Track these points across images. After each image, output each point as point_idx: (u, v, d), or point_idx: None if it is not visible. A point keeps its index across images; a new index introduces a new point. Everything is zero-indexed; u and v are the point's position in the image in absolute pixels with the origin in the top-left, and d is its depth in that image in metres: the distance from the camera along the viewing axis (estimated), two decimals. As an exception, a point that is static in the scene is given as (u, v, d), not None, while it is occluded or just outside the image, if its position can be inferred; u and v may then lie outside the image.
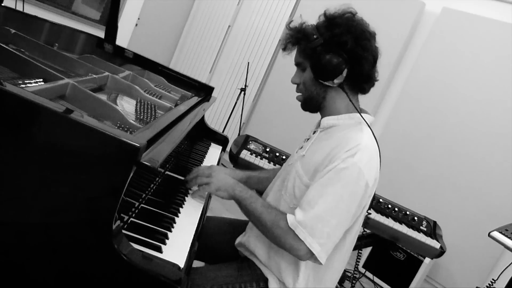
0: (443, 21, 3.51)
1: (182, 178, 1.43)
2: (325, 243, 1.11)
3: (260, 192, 1.48)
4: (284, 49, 1.26)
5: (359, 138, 1.16)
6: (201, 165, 1.75)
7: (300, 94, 1.30)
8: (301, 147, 1.35)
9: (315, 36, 1.18)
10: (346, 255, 1.31)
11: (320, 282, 1.27)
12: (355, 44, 1.15)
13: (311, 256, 1.13)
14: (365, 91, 1.26)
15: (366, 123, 1.23)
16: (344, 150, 1.14)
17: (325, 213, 1.11)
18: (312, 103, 1.28)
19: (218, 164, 1.90)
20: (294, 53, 1.27)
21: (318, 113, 1.34)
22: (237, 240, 1.45)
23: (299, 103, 1.33)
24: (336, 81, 1.19)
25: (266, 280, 1.29)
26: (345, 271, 2.91)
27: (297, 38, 1.22)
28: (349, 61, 1.16)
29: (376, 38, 1.21)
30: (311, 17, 1.28)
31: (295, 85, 1.31)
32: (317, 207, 1.11)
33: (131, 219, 1.09)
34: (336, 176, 1.12)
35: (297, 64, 1.27)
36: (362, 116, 1.23)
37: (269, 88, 4.56)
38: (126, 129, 1.16)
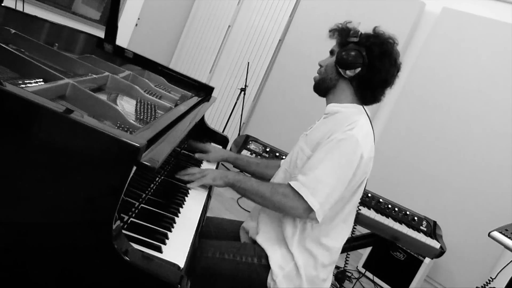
0: (443, 21, 3.51)
1: (178, 182, 1.42)
2: (323, 203, 1.25)
3: (254, 175, 1.65)
4: (330, 32, 1.44)
5: (358, 118, 1.34)
6: (200, 166, 1.76)
7: (317, 74, 1.47)
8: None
9: (354, 36, 1.37)
10: (344, 229, 1.41)
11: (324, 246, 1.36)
12: (378, 56, 1.34)
13: (309, 213, 1.26)
14: (365, 99, 1.42)
15: (366, 113, 1.40)
16: (344, 125, 1.30)
17: (325, 176, 1.25)
18: (323, 85, 1.45)
19: (218, 164, 1.90)
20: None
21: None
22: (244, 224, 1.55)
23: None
24: (348, 72, 1.37)
25: (267, 257, 1.35)
26: (345, 271, 2.91)
27: (342, 31, 1.41)
28: (366, 65, 1.34)
29: (399, 71, 1.41)
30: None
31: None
32: (317, 170, 1.26)
33: (131, 219, 1.09)
34: (336, 145, 1.27)
35: (331, 51, 1.46)
36: (363, 107, 1.41)
37: (269, 88, 4.55)
38: (126, 129, 1.16)
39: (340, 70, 1.38)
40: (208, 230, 1.56)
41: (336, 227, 1.36)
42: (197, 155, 1.75)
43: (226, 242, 1.44)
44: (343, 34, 1.41)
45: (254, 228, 1.47)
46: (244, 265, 1.35)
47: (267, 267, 1.34)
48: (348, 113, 1.37)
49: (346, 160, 1.27)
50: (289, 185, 1.28)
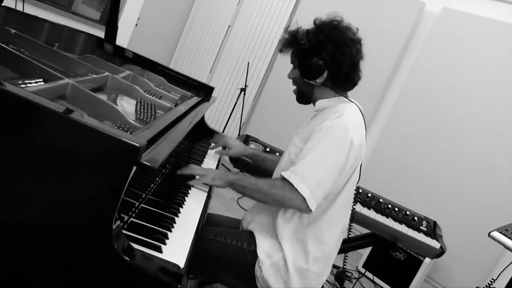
0: (443, 21, 3.51)
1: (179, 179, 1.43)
2: (314, 190, 1.24)
3: (265, 171, 1.64)
4: (280, 51, 1.44)
5: (346, 106, 1.36)
6: (201, 165, 1.76)
7: (295, 87, 1.47)
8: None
9: (303, 41, 1.35)
10: (338, 222, 1.40)
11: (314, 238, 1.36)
12: (335, 50, 1.32)
13: (307, 205, 1.24)
14: (346, 89, 1.42)
15: (355, 103, 1.39)
16: (332, 113, 1.32)
17: (315, 163, 1.25)
18: (303, 97, 1.46)
19: (218, 163, 1.91)
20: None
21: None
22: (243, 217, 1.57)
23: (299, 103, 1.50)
24: (318, 80, 1.37)
25: (256, 244, 1.38)
26: (345, 271, 2.91)
27: (290, 42, 1.40)
28: (329, 64, 1.33)
29: (361, 43, 1.37)
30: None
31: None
32: (307, 158, 1.26)
33: (131, 219, 1.09)
34: (325, 132, 1.28)
35: (292, 62, 1.44)
36: (349, 99, 1.40)
37: (269, 88, 4.55)
38: (126, 129, 1.16)
39: (309, 81, 1.38)
40: (210, 224, 1.57)
41: (330, 220, 1.36)
42: (220, 151, 1.83)
43: (223, 228, 1.49)
44: (292, 44, 1.39)
45: (250, 218, 1.49)
46: (234, 248, 1.39)
47: (256, 253, 1.36)
48: (335, 104, 1.39)
49: (337, 146, 1.26)
50: (281, 177, 1.28)
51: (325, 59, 1.32)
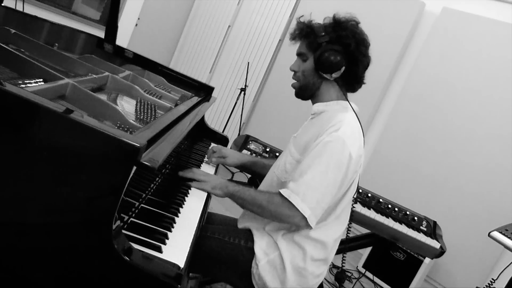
0: (443, 21, 3.51)
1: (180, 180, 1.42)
2: (315, 208, 1.24)
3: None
4: (293, 39, 1.40)
5: (343, 116, 1.33)
6: (200, 165, 1.76)
7: (296, 81, 1.43)
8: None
9: (322, 33, 1.32)
10: (337, 225, 1.39)
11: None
12: (356, 48, 1.32)
13: (306, 221, 1.24)
14: (354, 90, 1.42)
15: (352, 108, 1.37)
16: (329, 125, 1.29)
17: (314, 181, 1.24)
18: (307, 91, 1.42)
19: (217, 169, 1.90)
20: (295, 46, 1.42)
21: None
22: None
23: (299, 102, 1.49)
24: (334, 75, 1.34)
25: (253, 241, 1.38)
26: (344, 270, 2.91)
27: (306, 32, 1.36)
28: (348, 61, 1.32)
29: (370, 45, 1.37)
30: (311, 17, 1.39)
31: (292, 73, 1.44)
32: (307, 176, 1.25)
33: (131, 219, 1.09)
34: (323, 148, 1.26)
35: (299, 54, 1.41)
36: (349, 102, 1.38)
37: (269, 88, 4.55)
38: (126, 129, 1.16)
39: (324, 75, 1.34)
40: (209, 223, 1.57)
41: (327, 225, 1.36)
42: (214, 160, 1.74)
43: (221, 226, 1.49)
44: (309, 35, 1.35)
45: (246, 218, 1.49)
46: (231, 245, 1.39)
47: (253, 251, 1.36)
48: (333, 111, 1.36)
49: (335, 162, 1.25)
50: (280, 193, 1.27)
51: (345, 55, 1.31)
